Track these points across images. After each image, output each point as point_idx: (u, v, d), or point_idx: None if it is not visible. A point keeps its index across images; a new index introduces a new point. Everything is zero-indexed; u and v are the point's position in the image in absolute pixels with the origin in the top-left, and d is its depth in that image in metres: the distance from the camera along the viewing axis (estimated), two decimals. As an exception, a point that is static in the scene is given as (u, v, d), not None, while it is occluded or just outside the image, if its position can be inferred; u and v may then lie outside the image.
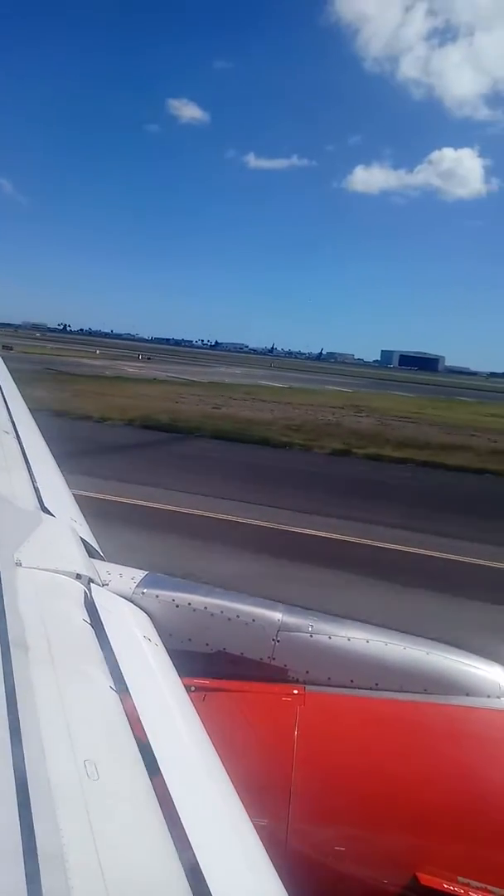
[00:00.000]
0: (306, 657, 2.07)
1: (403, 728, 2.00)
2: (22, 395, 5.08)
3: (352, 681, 2.04)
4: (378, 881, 1.73)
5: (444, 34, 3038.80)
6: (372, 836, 1.78)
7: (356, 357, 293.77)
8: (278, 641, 2.08)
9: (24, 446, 3.54)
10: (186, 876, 1.04)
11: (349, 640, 2.10)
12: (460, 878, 1.67)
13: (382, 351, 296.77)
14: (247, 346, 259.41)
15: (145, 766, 1.26)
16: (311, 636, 2.10)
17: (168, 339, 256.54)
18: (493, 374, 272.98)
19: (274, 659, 2.07)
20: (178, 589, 2.21)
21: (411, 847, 1.74)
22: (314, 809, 1.77)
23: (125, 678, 1.54)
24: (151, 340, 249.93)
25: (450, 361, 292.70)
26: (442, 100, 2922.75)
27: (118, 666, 1.58)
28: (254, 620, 2.12)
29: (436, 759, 1.88)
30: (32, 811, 1.02)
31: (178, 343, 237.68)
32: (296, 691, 2.02)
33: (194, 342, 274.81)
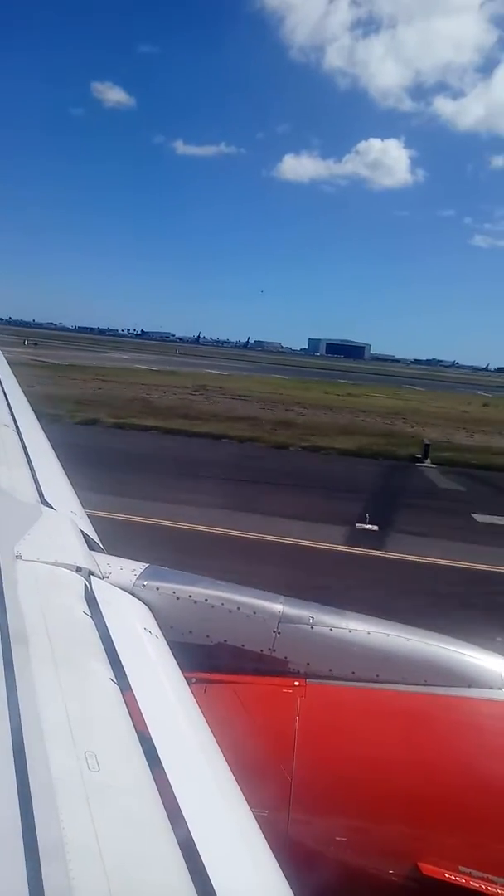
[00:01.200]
0: (307, 649, 2.07)
1: (404, 720, 2.00)
2: None
3: (353, 672, 2.04)
4: (379, 871, 1.73)
5: (367, 25, 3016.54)
6: (373, 826, 1.79)
7: (284, 346, 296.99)
8: (279, 633, 2.08)
9: (25, 440, 3.54)
10: (187, 866, 1.03)
11: (350, 631, 2.10)
12: (462, 868, 1.67)
13: (310, 339, 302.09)
14: (173, 335, 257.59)
15: (146, 757, 1.26)
16: (312, 628, 2.10)
17: (92, 329, 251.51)
18: (416, 361, 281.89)
19: (275, 651, 2.07)
20: (178, 581, 2.20)
21: (412, 837, 1.75)
22: (315, 800, 1.78)
23: (126, 671, 1.53)
24: (75, 329, 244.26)
25: (376, 349, 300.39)
26: (367, 90, 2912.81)
27: (119, 658, 1.57)
28: (255, 612, 2.12)
29: (437, 750, 1.90)
30: (33, 803, 1.02)
31: (102, 332, 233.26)
32: (297, 683, 2.02)
33: (120, 331, 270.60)
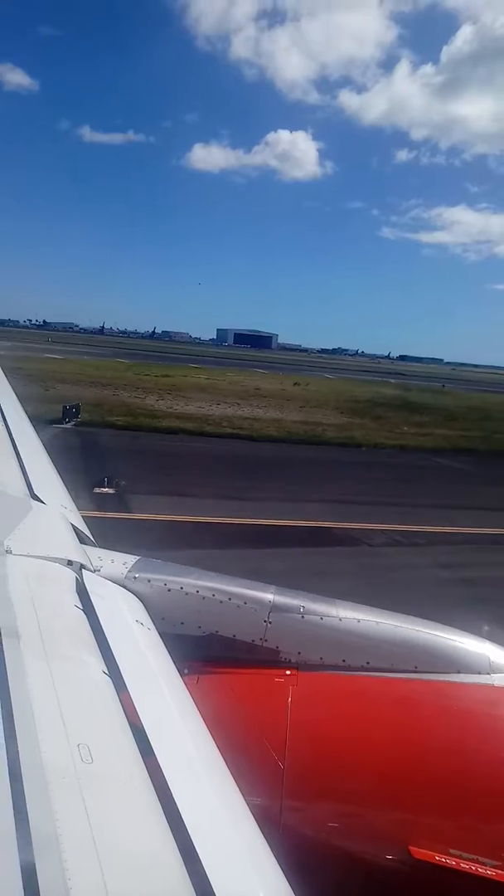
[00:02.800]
0: (298, 638, 2.11)
1: (395, 706, 2.03)
2: None
3: (343, 660, 2.08)
4: (371, 855, 1.76)
5: (272, 17, 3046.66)
6: (365, 812, 1.81)
7: (192, 336, 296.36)
8: (270, 623, 2.11)
9: (13, 435, 3.52)
10: (181, 855, 1.04)
11: (340, 620, 2.14)
12: (452, 851, 1.70)
13: (218, 329, 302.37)
14: (77, 326, 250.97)
15: (139, 748, 1.27)
16: (303, 617, 2.14)
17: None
18: (322, 350, 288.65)
19: (266, 640, 2.10)
20: (169, 573, 2.23)
21: (404, 822, 1.78)
22: (307, 787, 1.81)
23: (118, 663, 1.54)
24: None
25: (284, 339, 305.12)
26: (274, 82, 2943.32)
27: (111, 650, 1.58)
28: (245, 603, 2.15)
29: (427, 735, 1.93)
30: (26, 795, 1.02)
31: (1, 323, 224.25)
32: (288, 672, 2.05)
33: (21, 322, 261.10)
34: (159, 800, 1.14)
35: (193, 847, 1.06)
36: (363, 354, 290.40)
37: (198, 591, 2.15)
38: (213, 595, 2.14)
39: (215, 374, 49.50)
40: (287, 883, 1.11)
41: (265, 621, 2.10)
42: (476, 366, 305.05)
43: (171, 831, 1.07)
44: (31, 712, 1.22)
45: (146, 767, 1.21)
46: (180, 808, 1.13)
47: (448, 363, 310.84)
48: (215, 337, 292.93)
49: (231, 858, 1.13)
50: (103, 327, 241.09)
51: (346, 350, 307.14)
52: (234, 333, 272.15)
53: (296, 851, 1.41)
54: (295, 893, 1.09)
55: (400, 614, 2.18)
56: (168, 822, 1.09)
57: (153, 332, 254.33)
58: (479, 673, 2.04)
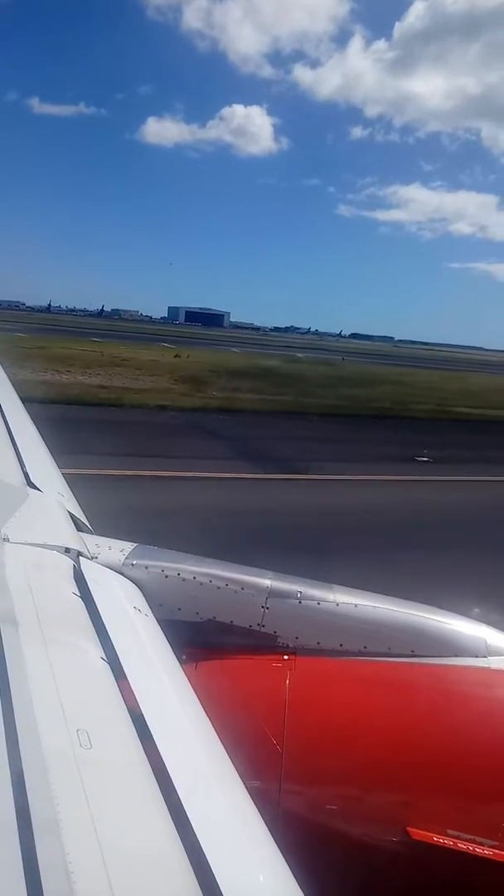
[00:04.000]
0: (296, 623, 2.11)
1: (392, 689, 2.05)
2: None
3: (341, 645, 2.08)
4: (370, 837, 1.78)
5: None
6: (363, 794, 1.83)
7: (142, 314, 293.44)
8: (268, 608, 2.11)
9: (9, 422, 3.51)
10: (181, 839, 1.04)
11: (338, 605, 2.14)
12: (450, 831, 1.70)
13: (170, 307, 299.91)
14: (23, 304, 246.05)
15: (138, 734, 1.27)
16: (300, 602, 2.14)
17: None
18: (275, 329, 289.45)
19: (264, 626, 2.10)
20: (167, 559, 2.23)
21: (402, 803, 1.79)
22: (306, 771, 1.82)
23: (116, 649, 1.54)
24: None
25: (237, 317, 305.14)
26: (227, 55, 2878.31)
27: (109, 637, 1.58)
28: (243, 588, 2.15)
29: (424, 718, 1.94)
30: (26, 781, 1.02)
31: None
32: (286, 657, 2.06)
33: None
34: (158, 784, 1.15)
35: (192, 830, 1.07)
36: (316, 333, 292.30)
37: (195, 578, 2.16)
38: (211, 581, 2.15)
39: (100, 347, 50.02)
40: (286, 864, 1.12)
41: (263, 607, 2.11)
42: (426, 343, 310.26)
43: (170, 815, 1.09)
44: (30, 698, 1.22)
45: (145, 752, 1.22)
46: (179, 793, 1.14)
47: (400, 341, 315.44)
48: (167, 315, 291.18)
49: (231, 842, 1.15)
50: (50, 305, 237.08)
51: (299, 328, 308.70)
52: (186, 311, 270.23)
53: (294, 834, 1.44)
54: (294, 875, 1.10)
55: (397, 599, 2.20)
56: (167, 805, 1.11)
57: (101, 309, 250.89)
58: (476, 656, 2.05)
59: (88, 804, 1.03)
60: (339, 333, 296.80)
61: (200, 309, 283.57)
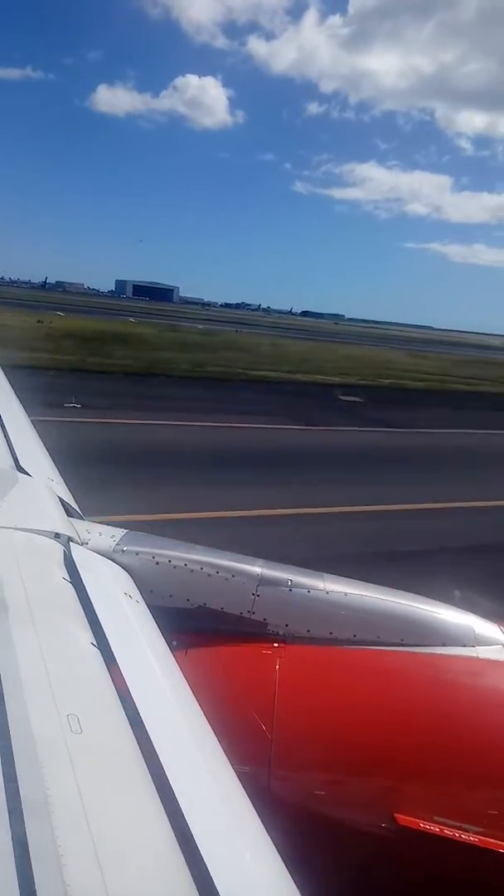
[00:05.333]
0: (286, 611, 2.09)
1: (381, 678, 2.03)
2: None
3: (331, 633, 2.07)
4: (357, 822, 1.76)
5: None
6: (351, 780, 1.82)
7: (88, 287, 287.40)
8: (258, 596, 2.10)
9: None
10: (170, 823, 1.04)
11: (328, 593, 2.12)
12: (436, 818, 1.70)
13: (117, 281, 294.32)
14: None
15: (128, 719, 1.25)
16: (291, 590, 2.12)
17: None
18: (226, 305, 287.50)
19: (254, 613, 2.08)
20: (157, 546, 2.20)
21: (389, 790, 1.78)
22: (295, 757, 1.80)
23: (107, 634, 1.53)
24: None
25: (187, 292, 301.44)
26: (180, 22, 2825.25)
27: (99, 623, 1.57)
28: (233, 576, 2.13)
29: (412, 706, 1.93)
30: (17, 765, 1.01)
31: None
32: (276, 644, 2.05)
33: None
34: (148, 769, 1.16)
35: (182, 813, 1.08)
36: (267, 310, 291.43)
37: (186, 565, 2.15)
38: (202, 568, 2.15)
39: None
40: (273, 846, 1.13)
41: (253, 594, 2.11)
42: (377, 322, 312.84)
43: (160, 798, 1.10)
44: (20, 683, 1.23)
45: (135, 737, 1.23)
46: (169, 777, 1.15)
47: (351, 319, 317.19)
48: (114, 289, 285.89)
49: (220, 826, 1.16)
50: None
51: (249, 305, 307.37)
52: (134, 285, 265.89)
53: (283, 818, 1.41)
54: (282, 859, 1.11)
55: (387, 588, 2.21)
56: (157, 789, 1.12)
57: (45, 282, 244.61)
58: (464, 645, 2.07)
59: (79, 788, 1.03)
60: (290, 311, 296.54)
61: (149, 283, 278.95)
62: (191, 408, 17.02)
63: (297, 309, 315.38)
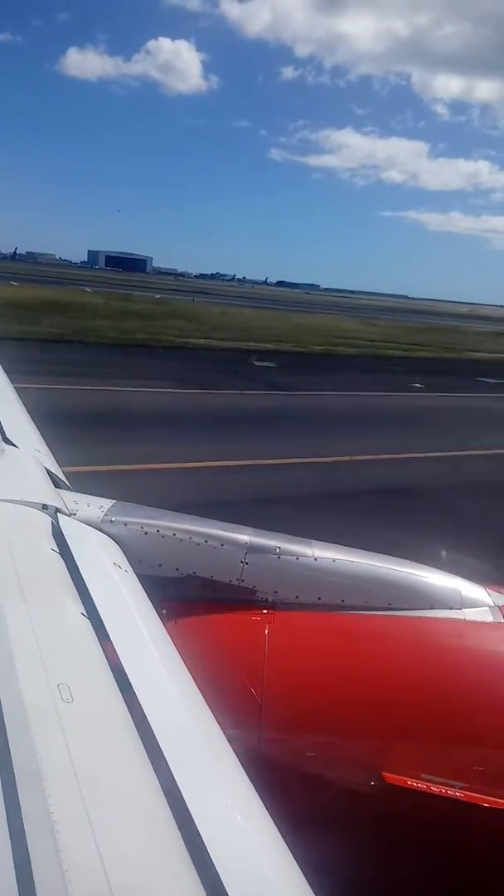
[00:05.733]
0: (275, 578, 2.12)
1: (369, 641, 2.08)
2: None
3: (319, 598, 2.11)
4: (347, 781, 1.82)
5: None
6: (340, 741, 1.88)
7: (60, 257, 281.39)
8: (247, 564, 2.12)
9: None
10: (161, 787, 1.06)
11: (316, 560, 2.15)
12: (423, 775, 1.75)
13: (89, 251, 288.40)
14: None
15: (119, 687, 1.26)
16: (279, 557, 2.15)
17: None
18: (201, 275, 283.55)
19: (243, 581, 2.11)
20: (146, 516, 2.21)
21: (377, 749, 1.85)
22: (285, 720, 1.85)
23: (96, 604, 1.54)
24: None
25: (160, 263, 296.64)
26: None
27: (89, 593, 1.58)
28: (222, 544, 2.15)
29: (399, 668, 1.99)
30: (8, 732, 1.03)
31: None
32: (265, 611, 2.09)
33: None
34: (139, 734, 1.17)
35: (174, 779, 1.09)
36: (242, 280, 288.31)
37: (174, 534, 2.16)
38: (190, 537, 2.16)
39: None
40: (264, 807, 1.14)
41: (242, 562, 2.13)
42: (352, 291, 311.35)
43: (151, 764, 1.11)
44: (10, 653, 1.23)
45: (126, 705, 1.24)
46: (160, 742, 1.16)
47: (326, 289, 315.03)
48: (87, 260, 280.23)
49: (211, 788, 1.17)
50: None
51: (224, 275, 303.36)
52: (106, 256, 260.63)
53: (274, 780, 1.43)
54: (273, 819, 1.12)
55: (375, 553, 2.23)
56: (148, 756, 1.13)
57: (14, 252, 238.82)
58: (451, 608, 2.11)
59: (70, 756, 1.03)
60: (265, 280, 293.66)
61: (121, 253, 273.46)
62: (80, 373, 17.00)
63: (273, 279, 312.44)
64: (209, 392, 16.61)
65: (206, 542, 2.16)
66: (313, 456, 11.25)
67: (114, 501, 2.27)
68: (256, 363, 23.03)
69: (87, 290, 67.14)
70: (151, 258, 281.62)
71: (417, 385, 21.57)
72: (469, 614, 2.11)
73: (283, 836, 1.09)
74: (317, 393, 18.60)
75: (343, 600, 2.11)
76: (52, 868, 0.85)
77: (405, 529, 7.48)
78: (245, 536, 2.20)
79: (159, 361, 21.25)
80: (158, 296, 70.74)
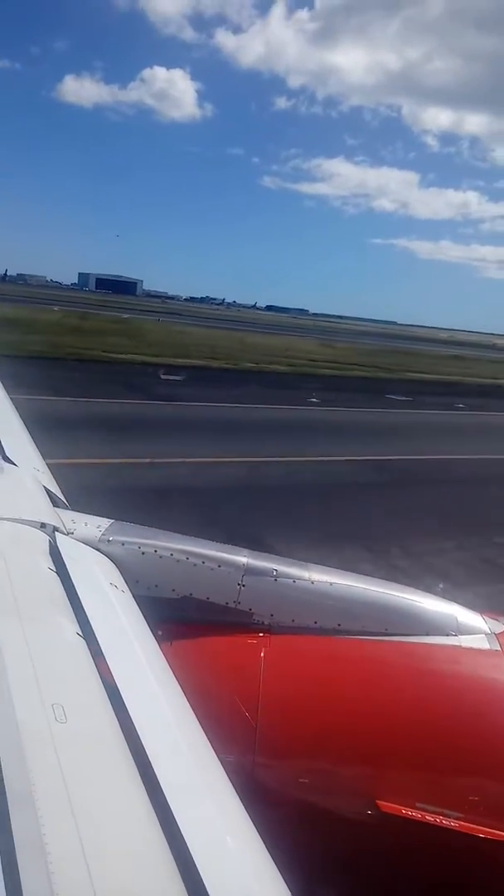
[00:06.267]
0: (271, 600, 2.10)
1: (365, 667, 2.05)
2: None
3: (315, 622, 2.09)
4: (341, 810, 1.80)
5: None
6: (335, 768, 1.86)
7: (51, 279, 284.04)
8: (243, 586, 2.11)
9: None
10: (155, 811, 1.05)
11: (313, 583, 2.14)
12: (418, 804, 1.74)
13: (80, 273, 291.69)
14: None
15: (113, 708, 1.25)
16: (276, 580, 2.13)
17: None
18: (191, 299, 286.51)
19: (239, 603, 2.09)
20: (143, 536, 2.20)
21: (372, 777, 1.83)
22: (279, 745, 1.84)
23: (92, 625, 1.52)
24: None
25: (152, 286, 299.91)
26: (146, 14, 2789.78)
27: (85, 613, 1.56)
28: (219, 566, 2.14)
29: (395, 695, 1.96)
30: (1, 755, 1.01)
31: None
32: (261, 634, 2.07)
33: None
34: (133, 758, 1.16)
35: (167, 802, 1.08)
36: (231, 304, 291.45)
37: (171, 555, 2.14)
38: (187, 558, 2.14)
39: None
40: (256, 832, 1.13)
41: (238, 584, 2.12)
42: (341, 317, 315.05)
43: (145, 787, 1.10)
44: (5, 673, 1.22)
45: (120, 727, 1.22)
46: (154, 765, 1.15)
47: (315, 314, 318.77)
48: (77, 282, 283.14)
49: (204, 813, 1.16)
50: None
51: (214, 299, 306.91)
52: (97, 278, 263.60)
53: (267, 806, 1.42)
54: (266, 845, 1.11)
55: (372, 578, 2.24)
56: (141, 779, 1.12)
57: (5, 274, 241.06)
58: (448, 634, 2.10)
59: (63, 777, 1.02)
60: (254, 305, 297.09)
61: (112, 276, 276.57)
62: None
63: (263, 303, 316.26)
64: (75, 400, 16.89)
65: (202, 563, 2.15)
66: (122, 457, 11.59)
67: (112, 521, 2.28)
68: (163, 377, 23.55)
69: (55, 308, 67.92)
70: (142, 281, 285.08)
71: (313, 400, 22.11)
72: (465, 641, 2.10)
73: (274, 861, 1.08)
74: (194, 404, 19.00)
75: (339, 624, 2.10)
76: (43, 890, 0.84)
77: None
78: (242, 558, 2.19)
79: (61, 373, 21.50)
80: (126, 316, 71.70)
